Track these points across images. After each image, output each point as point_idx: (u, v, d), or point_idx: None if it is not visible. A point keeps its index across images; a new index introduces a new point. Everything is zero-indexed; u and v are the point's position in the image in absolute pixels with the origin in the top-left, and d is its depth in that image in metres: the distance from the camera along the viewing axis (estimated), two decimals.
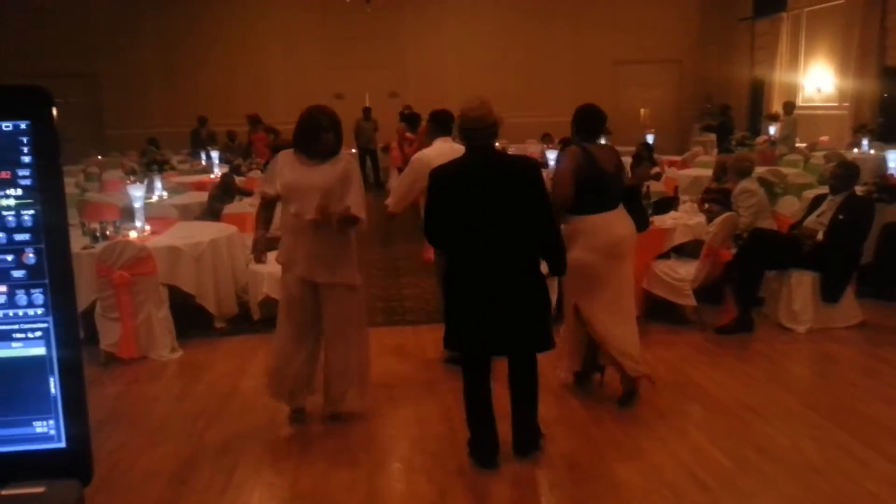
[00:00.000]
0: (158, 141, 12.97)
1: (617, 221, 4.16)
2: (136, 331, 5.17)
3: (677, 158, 11.96)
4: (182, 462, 3.78)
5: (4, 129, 0.75)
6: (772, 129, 12.91)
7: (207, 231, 6.02)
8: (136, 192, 5.96)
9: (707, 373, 4.84)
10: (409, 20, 16.23)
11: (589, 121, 4.26)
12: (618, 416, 4.20)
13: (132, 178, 8.51)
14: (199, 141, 13.26)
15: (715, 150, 12.35)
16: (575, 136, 4.31)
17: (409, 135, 13.50)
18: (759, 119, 15.23)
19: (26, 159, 0.75)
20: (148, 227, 5.88)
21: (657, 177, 7.74)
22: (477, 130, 3.46)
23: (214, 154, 10.46)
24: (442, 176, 3.48)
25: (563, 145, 7.77)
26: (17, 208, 0.76)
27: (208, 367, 5.12)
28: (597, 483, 3.52)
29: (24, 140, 0.75)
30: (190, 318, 5.63)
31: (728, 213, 5.64)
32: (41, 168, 0.76)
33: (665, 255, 5.80)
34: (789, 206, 6.77)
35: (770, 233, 5.86)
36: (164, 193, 8.04)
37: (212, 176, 9.58)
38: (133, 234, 5.67)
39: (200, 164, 11.42)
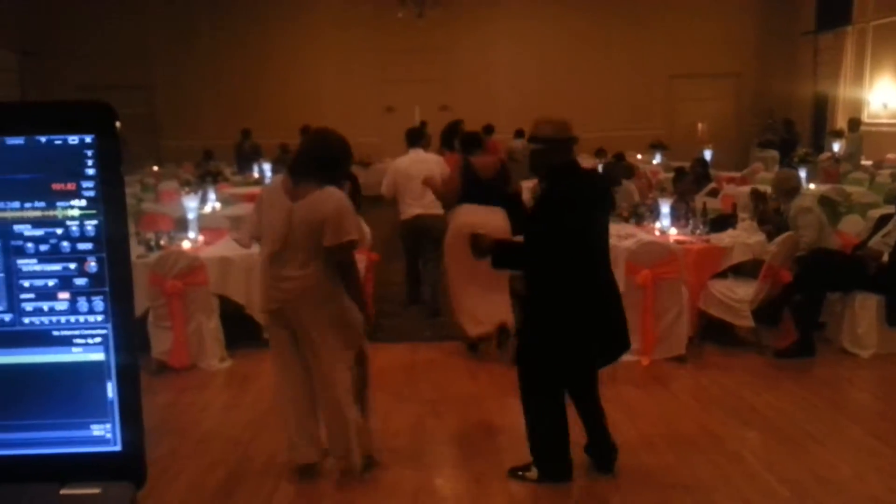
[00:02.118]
0: (213, 153, 13.24)
1: (478, 212, 5.04)
2: (187, 340, 5.25)
3: (736, 175, 11.66)
4: (228, 472, 3.80)
5: (70, 142, 0.79)
6: (836, 146, 12.51)
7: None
8: (191, 203, 6.07)
9: (765, 397, 4.66)
10: (461, 35, 16.27)
11: (470, 140, 5.61)
12: (670, 439, 4.08)
13: (187, 189, 8.68)
14: (244, 154, 13.46)
15: (776, 167, 12.02)
16: (462, 150, 5.58)
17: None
18: (823, 135, 14.80)
19: (90, 171, 0.80)
20: (201, 238, 5.98)
21: (714, 193, 7.54)
22: (566, 143, 3.57)
23: (266, 166, 10.61)
24: (574, 191, 3.46)
25: (617, 160, 7.67)
26: (81, 218, 0.81)
27: (256, 377, 5.15)
28: None
29: (89, 153, 0.80)
30: (239, 329, 5.69)
31: (789, 233, 5.44)
32: (104, 180, 0.80)
33: (722, 275, 5.63)
34: (854, 226, 6.53)
35: (833, 253, 5.64)
36: (218, 205, 8.17)
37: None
38: (186, 245, 5.76)
39: (253, 176, 11.61)
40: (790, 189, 5.90)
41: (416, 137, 6.54)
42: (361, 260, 5.94)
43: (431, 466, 3.87)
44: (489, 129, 12.18)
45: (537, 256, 3.43)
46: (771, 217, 6.04)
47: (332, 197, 3.35)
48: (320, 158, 3.42)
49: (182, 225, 6.20)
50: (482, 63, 16.31)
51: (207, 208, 7.81)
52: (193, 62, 16.17)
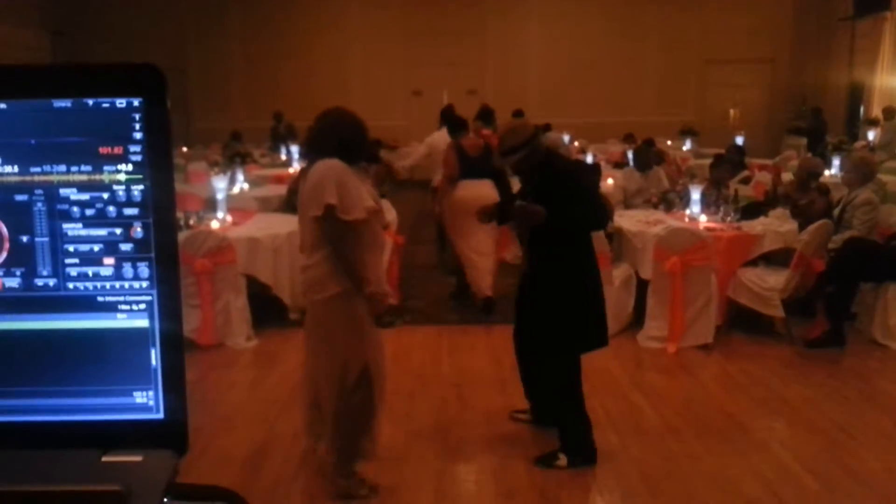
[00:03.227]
0: (241, 134, 13.30)
1: (471, 186, 5.90)
2: (215, 318, 5.30)
3: (768, 162, 11.47)
4: (255, 448, 3.84)
5: (118, 105, 0.77)
6: (871, 135, 12.26)
7: (285, 223, 6.10)
8: (220, 184, 6.11)
9: (794, 388, 4.60)
10: (491, 17, 16.13)
11: (457, 124, 6.54)
12: (697, 429, 4.04)
13: (216, 169, 8.73)
14: (279, 136, 13.49)
15: (807, 155, 11.81)
16: (452, 133, 6.46)
17: (484, 131, 13.42)
18: (857, 123, 14.51)
19: (138, 136, 0.77)
20: (229, 218, 6.02)
21: (746, 181, 7.42)
22: (537, 138, 3.74)
23: (294, 148, 10.63)
24: (574, 173, 3.74)
25: (647, 145, 7.59)
26: (128, 183, 0.78)
27: (281, 356, 5.19)
28: (672, 496, 3.39)
29: (137, 117, 0.77)
30: (266, 308, 5.73)
31: (823, 221, 5.34)
32: (152, 145, 0.78)
33: (753, 263, 5.55)
34: (888, 216, 6.38)
35: (867, 243, 5.53)
36: (246, 186, 8.22)
37: (291, 170, 9.74)
38: (215, 224, 5.81)
39: (280, 157, 11.65)
40: (866, 174, 5.69)
41: (448, 119, 7.35)
42: (388, 243, 5.96)
43: (455, 449, 3.88)
44: (519, 114, 12.08)
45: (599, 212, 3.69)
46: (802, 210, 5.91)
47: (322, 166, 3.07)
48: (330, 139, 3.16)
49: (211, 205, 6.25)
50: (512, 46, 16.15)
51: (236, 189, 7.86)
52: (224, 44, 16.23)
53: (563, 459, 3.62)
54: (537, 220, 3.51)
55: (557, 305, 3.54)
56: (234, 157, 9.69)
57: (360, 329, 3.18)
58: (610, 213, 5.47)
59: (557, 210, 3.47)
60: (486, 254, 6.10)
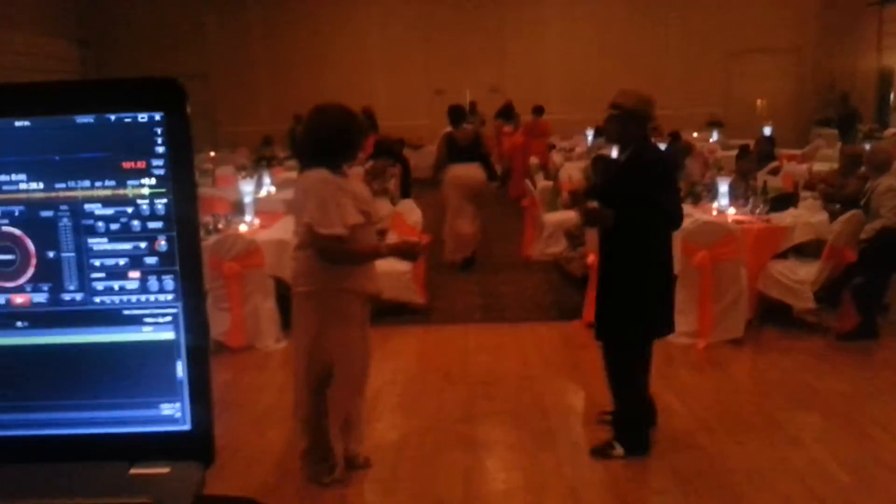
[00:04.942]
0: (273, 138, 13.40)
1: (461, 168, 7.19)
2: (244, 321, 5.35)
3: (797, 152, 11.28)
4: (285, 450, 3.87)
5: (140, 120, 0.79)
6: None
7: None
8: (247, 188, 6.16)
9: (827, 382, 4.53)
10: (510, 14, 16.05)
11: (455, 116, 7.40)
12: (728, 425, 4.00)
13: (243, 173, 8.81)
14: (297, 139, 13.55)
15: (838, 144, 11.60)
16: (452, 124, 7.38)
17: (506, 128, 13.39)
18: (888, 111, 14.22)
19: (160, 149, 0.79)
20: (257, 221, 6.07)
21: (775, 172, 7.32)
22: (640, 118, 3.59)
23: None
24: (665, 163, 3.66)
25: (673, 139, 7.51)
26: (151, 197, 0.80)
27: None
28: (704, 492, 3.36)
29: (159, 131, 0.79)
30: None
31: (854, 211, 5.24)
32: (174, 158, 0.79)
33: (783, 255, 5.47)
34: None
35: None
36: (273, 189, 8.28)
37: None
38: (243, 228, 5.86)
39: None
40: (881, 163, 5.59)
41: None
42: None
43: (483, 447, 3.88)
44: (539, 110, 12.06)
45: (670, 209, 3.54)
46: (843, 196, 5.80)
47: (308, 180, 3.10)
48: (317, 138, 3.13)
49: (239, 209, 6.30)
50: (533, 43, 16.07)
51: (263, 192, 7.92)
52: (247, 49, 16.36)
53: (619, 449, 3.63)
54: (606, 223, 3.54)
55: (618, 292, 3.56)
56: (260, 161, 9.78)
57: (326, 329, 3.18)
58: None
59: (634, 199, 3.46)
60: (470, 224, 7.28)
